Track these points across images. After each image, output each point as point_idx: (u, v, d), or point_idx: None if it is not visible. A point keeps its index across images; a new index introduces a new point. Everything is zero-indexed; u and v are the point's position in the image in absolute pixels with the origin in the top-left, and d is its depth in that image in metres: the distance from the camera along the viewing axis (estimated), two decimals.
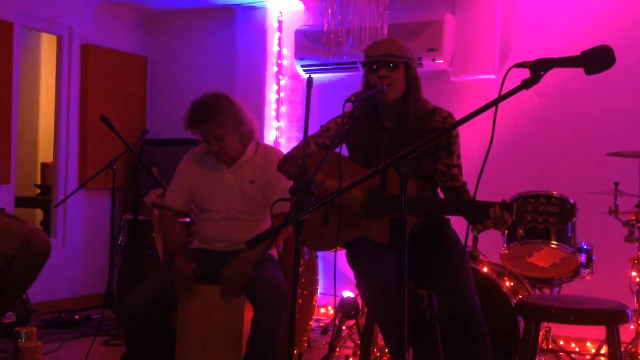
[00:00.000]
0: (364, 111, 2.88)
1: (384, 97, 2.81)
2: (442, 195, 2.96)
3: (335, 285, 2.62)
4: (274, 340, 3.00)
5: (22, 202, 6.04)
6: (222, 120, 3.19)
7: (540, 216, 2.34)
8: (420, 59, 4.84)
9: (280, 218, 3.18)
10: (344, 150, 2.97)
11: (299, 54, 5.51)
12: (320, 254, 4.17)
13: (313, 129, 2.87)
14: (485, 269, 3.46)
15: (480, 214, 2.51)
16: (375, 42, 2.95)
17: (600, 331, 2.89)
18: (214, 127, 3.19)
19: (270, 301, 2.99)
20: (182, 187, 3.37)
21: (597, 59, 1.85)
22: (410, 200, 2.61)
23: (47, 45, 6.89)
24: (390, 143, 2.85)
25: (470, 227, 2.52)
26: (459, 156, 2.87)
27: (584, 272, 3.72)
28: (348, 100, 2.56)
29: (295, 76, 5.82)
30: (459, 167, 2.87)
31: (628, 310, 2.73)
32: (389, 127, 2.89)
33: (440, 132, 2.40)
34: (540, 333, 3.17)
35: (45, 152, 6.86)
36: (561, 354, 3.89)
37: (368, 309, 3.02)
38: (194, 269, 3.15)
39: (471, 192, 2.77)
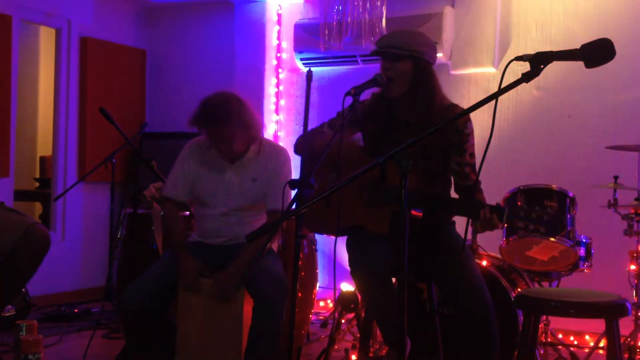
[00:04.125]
0: (379, 99, 2.87)
1: (387, 91, 2.80)
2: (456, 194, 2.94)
3: (334, 279, 2.63)
4: (276, 331, 3.00)
5: (21, 195, 6.04)
6: (233, 123, 3.11)
7: (531, 224, 2.34)
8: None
9: (273, 215, 3.17)
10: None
11: (299, 48, 5.50)
12: (319, 247, 4.17)
13: (313, 123, 2.87)
14: (484, 263, 3.46)
15: (471, 213, 2.51)
16: (386, 34, 2.94)
17: (599, 324, 2.90)
18: (225, 130, 3.12)
19: (270, 293, 2.99)
20: (183, 178, 3.32)
21: (597, 52, 1.85)
22: (398, 190, 2.61)
23: (46, 38, 6.87)
24: (401, 135, 2.83)
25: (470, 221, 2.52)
26: (472, 155, 2.83)
27: (583, 266, 3.72)
28: (348, 93, 2.56)
29: (294, 70, 5.81)
30: (472, 165, 2.83)
31: (627, 304, 2.73)
32: (401, 118, 2.88)
33: (438, 126, 2.39)
34: (540, 326, 3.17)
35: (44, 146, 6.85)
36: (560, 347, 3.90)
37: (362, 299, 3.04)
38: (199, 267, 3.14)
39: None
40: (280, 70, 5.88)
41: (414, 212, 2.76)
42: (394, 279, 2.87)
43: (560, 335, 4.25)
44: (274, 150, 3.31)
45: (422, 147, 2.77)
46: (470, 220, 2.60)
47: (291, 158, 3.32)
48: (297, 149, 3.04)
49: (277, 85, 5.87)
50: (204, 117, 3.14)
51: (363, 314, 3.35)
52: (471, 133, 2.82)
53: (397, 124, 2.88)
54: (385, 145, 2.85)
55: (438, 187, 2.88)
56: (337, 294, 3.89)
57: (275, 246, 3.41)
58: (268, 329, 2.98)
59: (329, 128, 2.97)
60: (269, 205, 3.23)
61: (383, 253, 2.74)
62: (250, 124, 3.19)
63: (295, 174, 3.32)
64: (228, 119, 3.10)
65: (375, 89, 2.85)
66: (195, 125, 3.18)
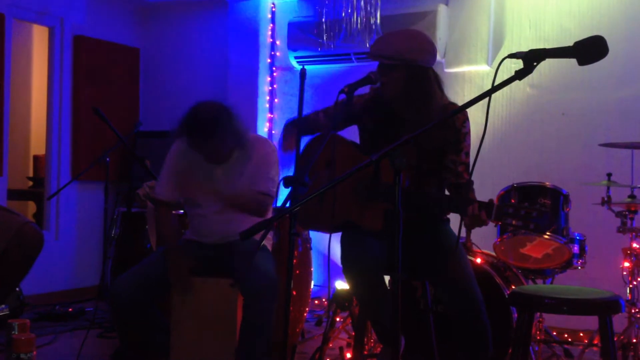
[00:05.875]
0: (378, 95, 2.87)
1: (381, 91, 2.80)
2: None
3: (329, 277, 2.63)
4: (266, 328, 3.00)
5: (14, 194, 6.02)
6: (224, 135, 3.10)
7: (520, 221, 2.34)
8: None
9: (259, 196, 3.16)
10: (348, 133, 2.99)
11: (292, 46, 5.50)
12: (314, 245, 4.17)
13: None
14: (478, 260, 3.46)
15: (459, 210, 2.51)
16: (380, 37, 2.92)
17: (593, 321, 2.91)
18: (215, 143, 3.11)
19: (260, 290, 2.98)
20: (172, 179, 3.32)
21: (590, 50, 1.85)
22: (389, 189, 2.61)
23: (39, 36, 6.85)
24: (399, 130, 2.84)
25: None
26: (467, 154, 2.82)
27: (577, 263, 3.73)
28: (342, 91, 2.56)
29: (288, 68, 5.81)
30: (466, 165, 2.82)
31: (621, 301, 2.74)
32: (399, 115, 2.88)
33: (431, 123, 2.36)
34: (534, 323, 3.17)
35: (37, 145, 6.83)
36: (554, 344, 3.91)
37: (354, 296, 3.04)
38: (190, 266, 3.14)
39: None
40: (274, 68, 5.88)
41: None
42: (388, 277, 2.87)
43: (554, 333, 4.26)
44: (257, 141, 3.31)
45: (417, 146, 2.77)
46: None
47: (277, 149, 3.31)
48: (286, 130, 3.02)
49: (271, 84, 5.87)
50: (194, 130, 3.09)
51: (357, 312, 3.35)
52: (468, 133, 2.82)
53: (395, 119, 2.87)
54: (382, 139, 2.85)
55: (432, 187, 2.87)
56: (331, 292, 3.90)
57: (269, 244, 3.40)
58: (258, 326, 2.98)
59: (324, 116, 2.97)
60: (255, 187, 3.19)
61: (375, 250, 2.74)
62: (240, 134, 3.17)
63: (286, 169, 3.32)
64: (219, 133, 3.08)
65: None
66: (184, 136, 3.14)
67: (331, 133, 2.56)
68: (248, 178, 3.23)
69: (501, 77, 1.90)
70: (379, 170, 2.72)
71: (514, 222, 2.35)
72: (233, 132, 3.13)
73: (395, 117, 2.88)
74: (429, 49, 2.80)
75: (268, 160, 3.22)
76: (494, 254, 3.76)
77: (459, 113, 2.78)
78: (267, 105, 5.85)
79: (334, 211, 2.74)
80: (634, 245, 3.77)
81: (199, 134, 3.09)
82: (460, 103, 1.98)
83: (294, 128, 2.96)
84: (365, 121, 2.95)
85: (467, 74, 5.05)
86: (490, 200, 2.46)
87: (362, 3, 4.91)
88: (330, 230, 2.81)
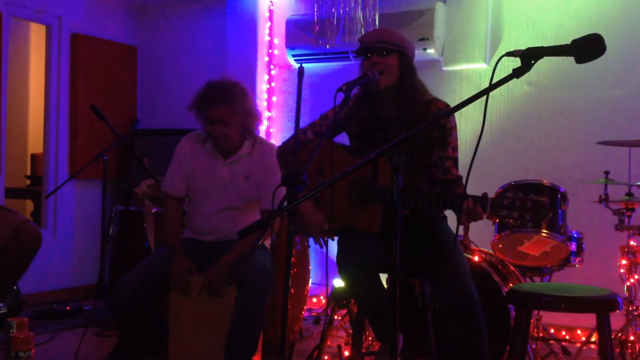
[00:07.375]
0: (361, 99, 2.88)
1: (376, 85, 2.80)
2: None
3: (327, 275, 2.63)
4: (258, 320, 3.00)
5: (12, 193, 6.01)
6: (236, 105, 3.16)
7: (515, 212, 2.34)
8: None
9: (267, 214, 3.17)
10: (344, 137, 2.99)
11: (290, 44, 5.50)
12: (312, 244, 4.17)
13: (304, 119, 2.88)
14: (476, 258, 3.47)
15: (454, 206, 2.51)
16: (370, 31, 2.96)
17: (590, 319, 2.91)
18: (226, 110, 3.15)
19: (253, 281, 2.99)
20: (180, 173, 3.32)
21: (588, 48, 1.85)
22: (385, 189, 2.61)
23: (36, 35, 6.84)
24: (385, 132, 2.84)
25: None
26: (454, 149, 2.82)
27: (575, 261, 3.74)
28: (339, 90, 2.56)
29: (286, 66, 5.80)
30: (454, 160, 2.82)
31: (618, 298, 2.75)
32: (384, 116, 2.89)
33: (430, 121, 2.35)
34: (531, 321, 3.18)
35: (35, 143, 6.82)
36: (552, 342, 3.92)
37: (351, 296, 3.04)
38: (191, 268, 3.14)
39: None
40: (272, 66, 5.87)
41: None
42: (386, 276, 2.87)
43: (552, 330, 4.27)
44: (267, 148, 3.31)
45: (406, 143, 2.77)
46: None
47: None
48: (279, 159, 3.04)
49: (269, 82, 5.86)
50: (209, 95, 3.17)
51: (355, 310, 3.35)
52: (454, 127, 2.82)
53: (381, 121, 2.89)
54: (370, 143, 2.86)
55: (423, 183, 2.87)
56: (329, 290, 3.90)
57: (267, 243, 3.40)
58: (250, 317, 2.98)
59: (312, 132, 2.97)
60: (264, 205, 3.23)
61: (370, 250, 2.74)
62: (249, 112, 3.22)
63: None
64: (232, 99, 3.14)
65: (355, 90, 2.85)
66: (198, 105, 3.19)
67: (326, 137, 2.56)
68: (253, 184, 3.25)
69: (499, 75, 1.90)
70: (377, 171, 2.72)
71: (512, 215, 2.35)
72: (242, 105, 3.19)
73: (380, 118, 2.89)
74: (410, 41, 2.93)
75: (275, 172, 3.22)
76: (491, 251, 3.77)
77: (445, 109, 2.81)
78: (265, 103, 5.84)
79: (331, 217, 2.74)
80: (632, 243, 3.78)
81: (211, 94, 3.17)
82: (457, 101, 1.98)
83: (284, 157, 3.00)
84: (351, 127, 2.96)
85: (464, 72, 5.06)
86: (484, 194, 2.46)
87: (360, 1, 4.91)
88: (330, 234, 2.83)
